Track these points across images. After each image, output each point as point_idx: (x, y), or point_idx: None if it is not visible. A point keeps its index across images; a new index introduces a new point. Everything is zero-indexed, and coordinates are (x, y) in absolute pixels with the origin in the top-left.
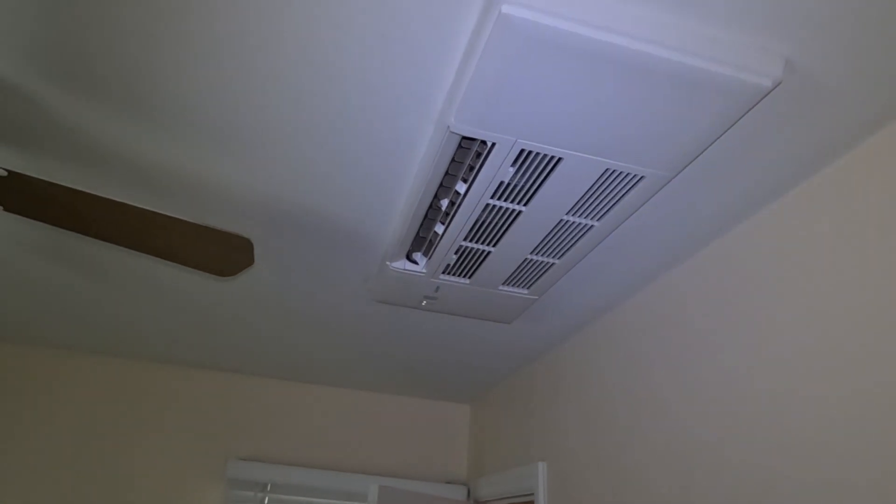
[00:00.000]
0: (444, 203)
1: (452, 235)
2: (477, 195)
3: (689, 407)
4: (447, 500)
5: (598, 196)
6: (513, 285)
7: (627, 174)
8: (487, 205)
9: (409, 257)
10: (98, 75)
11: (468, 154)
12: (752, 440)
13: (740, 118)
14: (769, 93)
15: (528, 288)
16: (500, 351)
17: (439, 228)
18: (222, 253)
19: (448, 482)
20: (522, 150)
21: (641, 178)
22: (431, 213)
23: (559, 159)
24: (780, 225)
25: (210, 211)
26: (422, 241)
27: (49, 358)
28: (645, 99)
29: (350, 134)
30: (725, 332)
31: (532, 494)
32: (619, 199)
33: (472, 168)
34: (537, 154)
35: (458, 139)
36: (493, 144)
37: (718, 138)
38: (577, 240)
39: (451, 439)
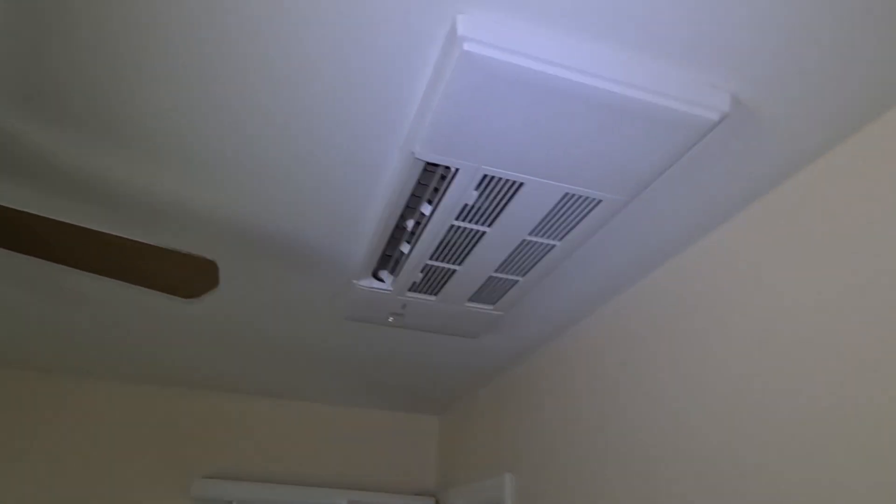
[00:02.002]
0: (410, 224)
1: (418, 254)
2: (442, 217)
3: (656, 418)
4: None
5: (559, 218)
6: (478, 302)
7: (586, 198)
8: (452, 226)
9: (375, 275)
10: (57, 96)
11: (433, 177)
12: (719, 452)
13: (690, 149)
14: (716, 126)
15: (493, 304)
16: (468, 363)
17: (405, 248)
18: (187, 275)
19: (417, 494)
20: (485, 176)
21: (599, 202)
22: (397, 233)
23: (520, 184)
24: (735, 242)
25: (174, 232)
26: (388, 259)
27: (8, 379)
28: (600, 130)
29: (316, 157)
30: (692, 343)
31: None
32: (579, 221)
33: (436, 190)
34: (499, 179)
35: (422, 164)
36: (457, 170)
37: (670, 167)
38: (540, 258)
39: (420, 452)
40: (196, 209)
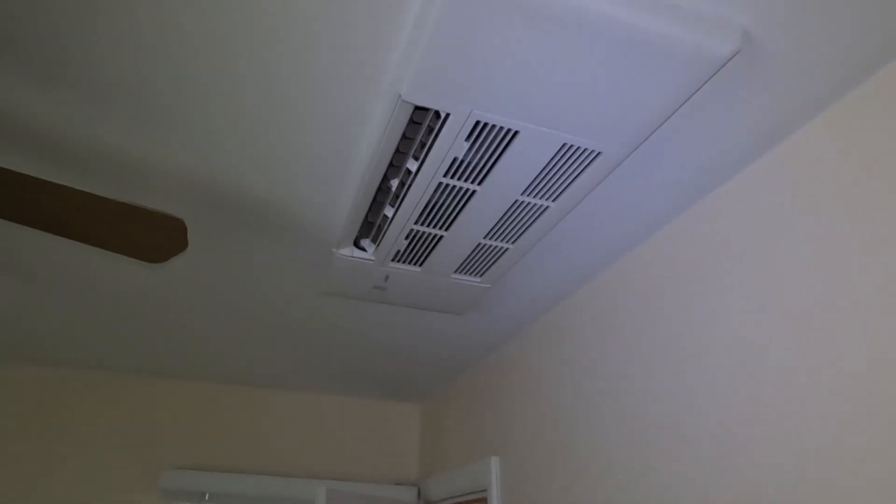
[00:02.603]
0: (394, 183)
1: (403, 218)
2: (429, 173)
3: (647, 396)
4: (397, 501)
5: (555, 174)
6: (465, 273)
7: (584, 150)
8: (440, 184)
9: (356, 244)
10: (6, 39)
11: (419, 130)
12: (708, 432)
13: (697, 89)
14: (726, 63)
15: (480, 276)
16: (452, 346)
17: (389, 211)
18: (152, 236)
19: (398, 483)
20: (478, 122)
21: (598, 154)
22: (380, 196)
23: (515, 133)
24: (739, 200)
25: (137, 190)
26: (370, 226)
27: None
28: (604, 66)
29: (292, 107)
30: (681, 318)
31: (485, 491)
32: (576, 178)
33: (423, 145)
34: (493, 127)
35: (409, 111)
36: (447, 116)
37: (675, 111)
38: (532, 222)
39: (401, 440)
40: (160, 167)
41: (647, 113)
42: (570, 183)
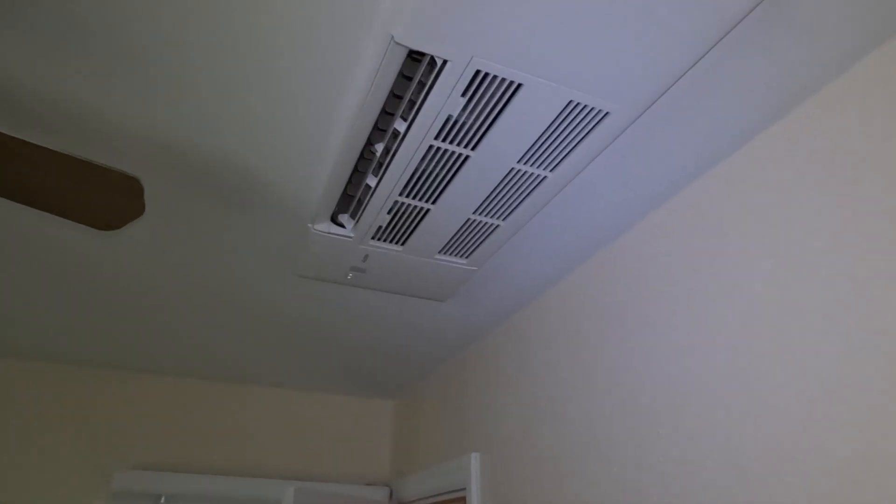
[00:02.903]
0: (379, 148)
1: (387, 189)
2: (419, 134)
3: (641, 388)
4: (368, 501)
5: (556, 138)
6: (450, 254)
7: (592, 109)
8: (431, 147)
9: (334, 220)
10: None
11: (410, 86)
12: (707, 424)
13: (718, 41)
14: (752, 10)
15: (466, 257)
16: (429, 337)
17: (371, 181)
18: (104, 197)
19: (369, 484)
20: (478, 73)
21: (606, 114)
22: (362, 165)
23: (518, 86)
24: (745, 174)
25: (87, 145)
26: (349, 200)
27: None
28: (622, 9)
29: (272, 55)
30: (673, 305)
31: (464, 490)
32: (578, 143)
33: (412, 104)
34: (494, 78)
35: (401, 58)
36: (445, 63)
37: (693, 66)
38: (527, 195)
39: (373, 438)
40: (114, 119)
41: (666, 65)
42: (572, 149)
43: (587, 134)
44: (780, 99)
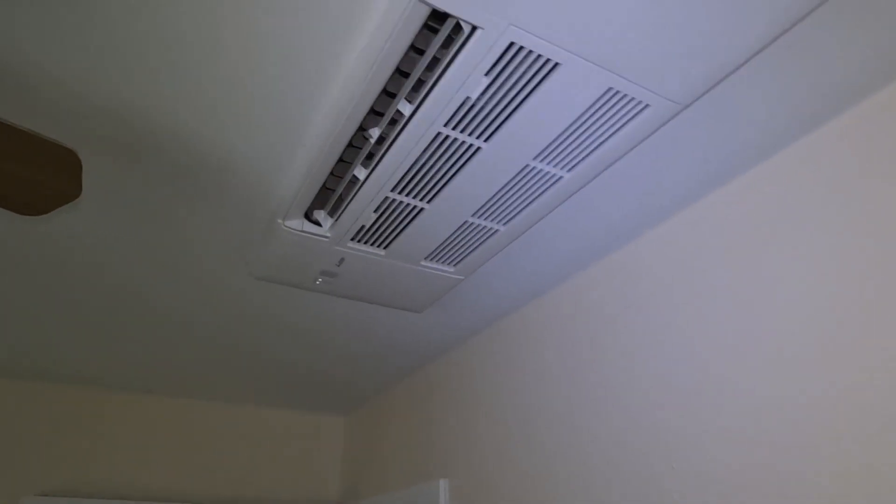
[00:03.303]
0: (374, 135)
1: (378, 183)
2: (426, 119)
3: (612, 411)
4: None
5: (584, 132)
6: (438, 260)
7: (632, 100)
8: (439, 135)
9: (308, 216)
10: None
11: (419, 62)
12: (677, 449)
13: (776, 38)
14: (812, 12)
15: (455, 265)
16: (391, 348)
17: (360, 173)
18: (31, 172)
19: None
20: (511, 45)
21: (645, 107)
22: (349, 154)
23: (555, 66)
24: (772, 183)
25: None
26: (327, 194)
27: None
28: None
29: (237, 16)
30: (662, 327)
31: None
32: (606, 139)
33: (420, 84)
34: (529, 54)
35: (417, 23)
36: (473, 31)
37: (753, 56)
38: (536, 197)
39: (320, 457)
40: (53, 80)
41: (722, 55)
42: (597, 147)
43: (618, 130)
44: (831, 97)
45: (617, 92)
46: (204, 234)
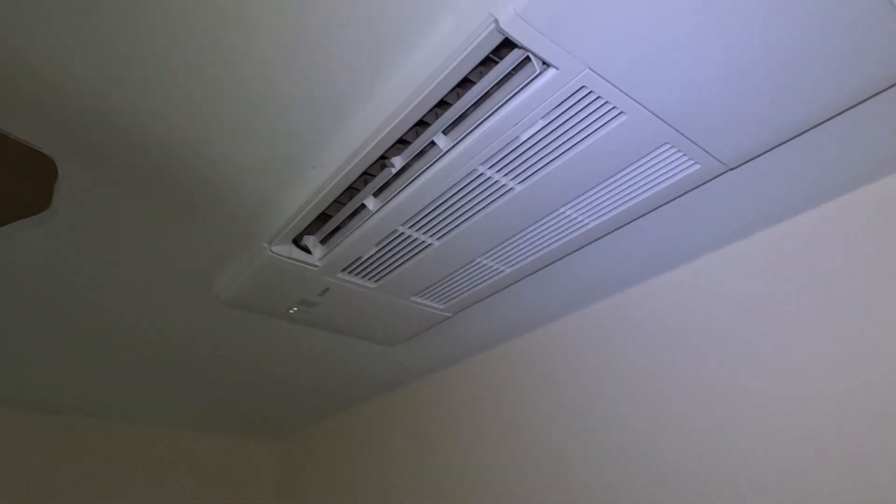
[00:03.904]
0: (397, 164)
1: (390, 215)
2: (466, 156)
3: (577, 460)
4: None
5: (626, 183)
6: (429, 297)
7: (683, 156)
8: (474, 172)
9: (297, 243)
10: None
11: (465, 93)
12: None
13: (848, 108)
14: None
15: (445, 302)
16: (341, 379)
17: (372, 203)
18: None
19: None
20: (583, 88)
21: (695, 164)
22: (360, 182)
23: (619, 114)
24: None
25: None
26: (324, 221)
27: None
28: (763, 57)
29: (255, 15)
30: (619, 377)
31: None
32: (647, 192)
33: (461, 117)
34: (596, 99)
35: (481, 53)
36: (547, 68)
37: (814, 127)
38: (553, 243)
39: (251, 485)
40: (31, 71)
41: (784, 123)
42: (634, 198)
43: (659, 184)
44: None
45: (671, 147)
46: (176, 252)
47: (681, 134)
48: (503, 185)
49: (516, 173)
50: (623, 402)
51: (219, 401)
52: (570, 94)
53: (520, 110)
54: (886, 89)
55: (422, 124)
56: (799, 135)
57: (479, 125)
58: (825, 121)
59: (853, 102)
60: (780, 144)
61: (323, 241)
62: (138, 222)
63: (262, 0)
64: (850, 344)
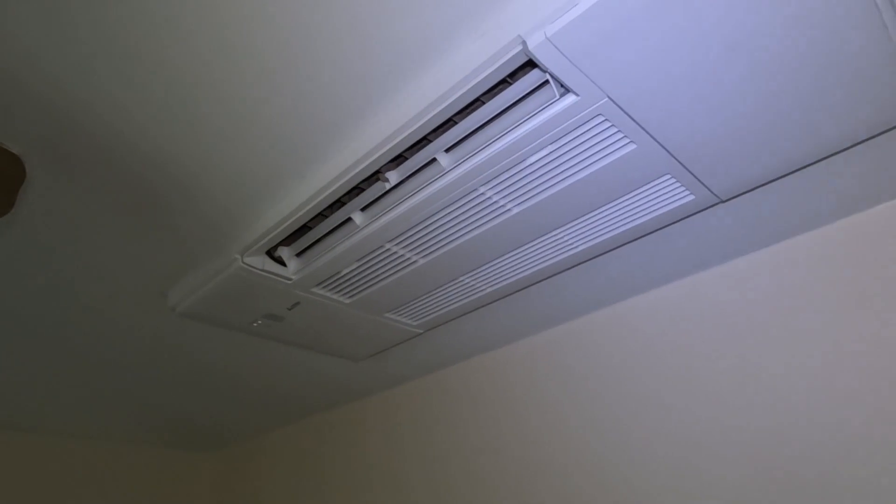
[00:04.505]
0: (392, 179)
1: (378, 231)
2: (470, 175)
3: (538, 471)
4: None
5: (621, 210)
6: (403, 314)
7: (681, 188)
8: (474, 192)
9: (271, 255)
10: None
11: (474, 112)
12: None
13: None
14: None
15: (419, 320)
16: (312, 385)
17: (359, 218)
18: None
19: None
20: (598, 117)
21: (690, 196)
22: (348, 196)
23: (628, 143)
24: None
25: None
26: (302, 233)
27: None
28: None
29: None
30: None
31: None
32: (640, 218)
33: (459, 140)
34: (608, 128)
35: (502, 73)
36: (566, 94)
37: (810, 165)
38: (541, 263)
39: (183, 499)
40: None
41: (780, 160)
42: (627, 224)
43: (653, 212)
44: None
45: (671, 178)
46: (135, 257)
47: (683, 167)
48: (501, 206)
49: (516, 195)
50: (588, 423)
51: (157, 411)
52: (584, 122)
53: (532, 134)
54: (859, 143)
55: (422, 141)
56: (785, 175)
57: (486, 146)
58: (822, 158)
59: (851, 144)
60: (770, 182)
61: (299, 255)
62: (101, 223)
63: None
64: (837, 354)
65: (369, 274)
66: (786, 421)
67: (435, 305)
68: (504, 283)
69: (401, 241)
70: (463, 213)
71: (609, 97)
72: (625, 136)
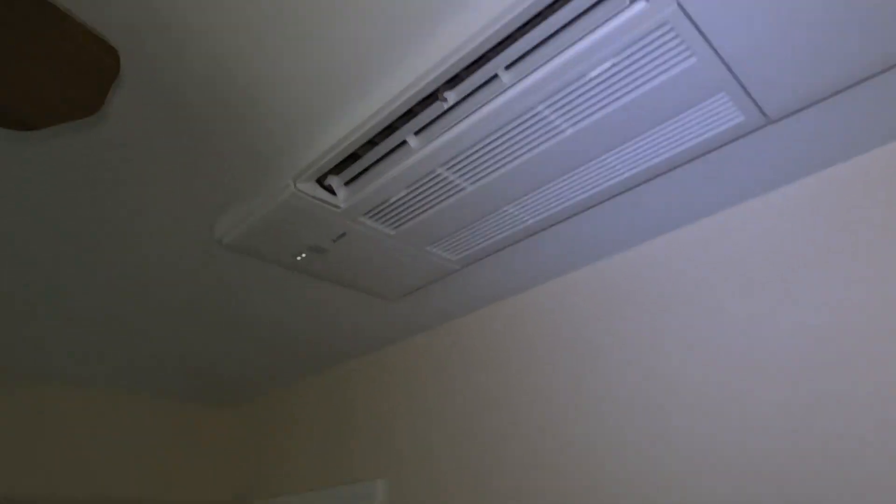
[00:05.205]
0: (450, 98)
1: (432, 155)
2: (530, 92)
3: (555, 414)
4: None
5: (670, 132)
6: (444, 248)
7: (734, 106)
8: (531, 111)
9: (321, 183)
10: None
11: (537, 26)
12: (634, 452)
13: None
14: None
15: (459, 254)
16: (330, 329)
17: (414, 141)
18: (43, 69)
19: None
20: (663, 25)
21: (741, 116)
22: (402, 120)
23: (689, 56)
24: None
25: None
26: (352, 160)
27: None
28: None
29: None
30: (615, 338)
31: None
32: (689, 141)
33: (528, 51)
34: (673, 38)
35: None
36: (635, 0)
37: (855, 84)
38: (585, 192)
39: (204, 453)
40: None
41: (829, 77)
42: (674, 148)
43: (704, 133)
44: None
45: (725, 96)
46: (183, 188)
47: (738, 83)
48: (556, 126)
49: (572, 115)
50: (626, 361)
51: (181, 361)
52: (649, 31)
53: (596, 45)
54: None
55: (481, 59)
56: (837, 92)
57: (549, 61)
58: (863, 80)
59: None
60: (821, 100)
61: (347, 183)
62: (162, 146)
63: None
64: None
65: (417, 202)
66: (833, 361)
67: (476, 238)
68: (546, 213)
69: (452, 166)
70: (517, 134)
71: (679, 3)
72: (687, 49)
